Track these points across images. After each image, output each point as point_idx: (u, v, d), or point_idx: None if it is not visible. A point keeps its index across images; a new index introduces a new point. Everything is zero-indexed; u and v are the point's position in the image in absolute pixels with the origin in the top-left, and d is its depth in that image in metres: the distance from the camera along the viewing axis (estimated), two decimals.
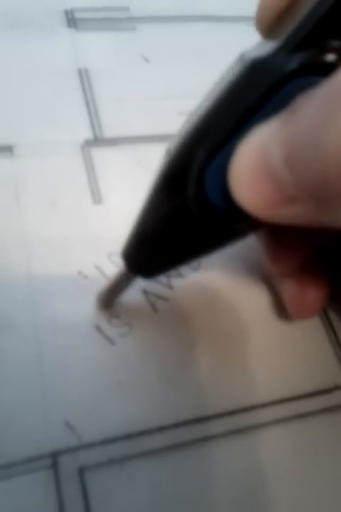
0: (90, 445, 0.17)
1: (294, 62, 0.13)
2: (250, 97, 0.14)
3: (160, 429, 0.18)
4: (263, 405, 0.19)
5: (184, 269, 0.21)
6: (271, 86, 0.13)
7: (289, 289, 0.19)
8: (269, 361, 0.19)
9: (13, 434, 0.17)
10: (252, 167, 0.13)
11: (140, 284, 0.20)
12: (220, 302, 0.21)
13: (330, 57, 0.13)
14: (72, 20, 0.28)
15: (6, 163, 0.22)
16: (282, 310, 0.21)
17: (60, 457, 0.17)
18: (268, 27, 0.16)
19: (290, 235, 0.18)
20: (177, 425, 0.18)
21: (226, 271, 0.21)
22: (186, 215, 0.16)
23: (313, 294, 0.19)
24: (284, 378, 0.19)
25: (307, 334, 0.20)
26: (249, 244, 0.22)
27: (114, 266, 0.20)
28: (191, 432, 0.18)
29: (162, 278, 0.20)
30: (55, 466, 0.16)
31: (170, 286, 0.20)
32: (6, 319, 0.18)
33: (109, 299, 0.19)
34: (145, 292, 0.20)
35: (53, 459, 0.17)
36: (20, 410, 0.17)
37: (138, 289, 0.20)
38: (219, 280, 0.21)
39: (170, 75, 0.27)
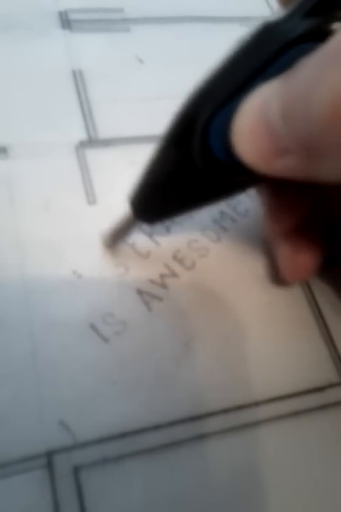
0: (85, 444, 0.17)
1: (301, 28, 0.14)
2: (257, 58, 0.15)
3: (155, 427, 0.18)
4: (258, 403, 0.19)
5: (178, 269, 0.21)
6: (277, 49, 0.14)
7: (283, 251, 0.20)
8: (263, 360, 0.20)
9: (7, 434, 0.17)
10: (252, 122, 0.14)
11: (134, 284, 0.20)
12: (214, 302, 0.21)
13: (336, 25, 0.14)
14: (66, 21, 0.28)
15: (0, 165, 0.22)
16: (276, 309, 0.21)
17: (54, 456, 0.17)
18: None
19: (288, 194, 0.19)
20: (171, 424, 0.18)
21: (220, 271, 0.21)
22: (190, 167, 0.17)
23: (306, 257, 0.20)
24: (278, 376, 0.19)
25: (301, 332, 0.20)
26: (243, 246, 0.22)
27: (108, 264, 0.20)
28: (186, 430, 0.18)
29: (156, 278, 0.21)
30: (49, 465, 0.16)
31: (164, 286, 0.21)
32: (0, 318, 0.18)
33: (113, 240, 0.21)
34: (139, 292, 0.20)
35: (48, 458, 0.17)
36: (14, 409, 0.17)
37: (132, 288, 0.20)
38: (213, 280, 0.21)
39: (164, 76, 0.27)
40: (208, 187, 0.17)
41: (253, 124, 0.14)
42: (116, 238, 0.21)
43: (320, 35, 0.14)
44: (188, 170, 0.17)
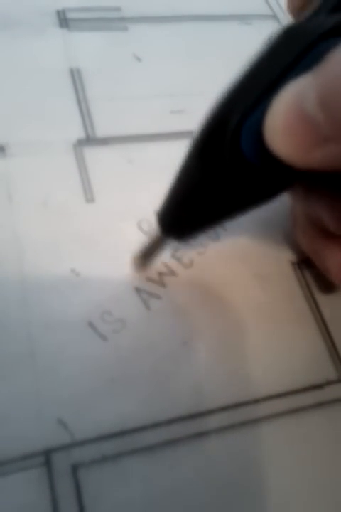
0: (83, 442, 0.17)
1: (329, 23, 0.14)
2: (286, 57, 0.15)
3: (154, 425, 0.18)
4: (256, 401, 0.19)
5: (177, 267, 0.21)
6: (306, 45, 0.14)
7: (333, 254, 0.19)
8: (262, 357, 0.20)
9: (5, 432, 0.17)
10: (288, 115, 0.14)
11: (132, 282, 0.20)
12: (213, 300, 0.21)
13: None
14: (64, 20, 0.28)
15: None
16: (274, 307, 0.21)
17: (53, 455, 0.17)
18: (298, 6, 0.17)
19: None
20: (170, 421, 0.18)
21: (218, 269, 0.21)
22: (220, 175, 0.16)
23: None
24: (277, 374, 0.19)
25: (299, 330, 0.20)
26: (241, 244, 0.22)
27: (106, 262, 0.20)
28: (184, 428, 0.18)
29: (154, 277, 0.21)
30: (48, 464, 0.16)
31: (162, 285, 0.21)
32: None
33: (144, 261, 0.20)
34: (137, 290, 0.20)
35: (46, 457, 0.17)
36: (12, 408, 0.17)
37: (130, 286, 0.20)
38: (211, 278, 0.21)
39: (161, 75, 0.27)
40: (240, 194, 0.17)
41: (288, 117, 0.14)
42: (146, 258, 0.20)
43: None
44: (218, 178, 0.17)
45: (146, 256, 0.20)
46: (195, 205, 0.18)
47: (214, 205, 0.18)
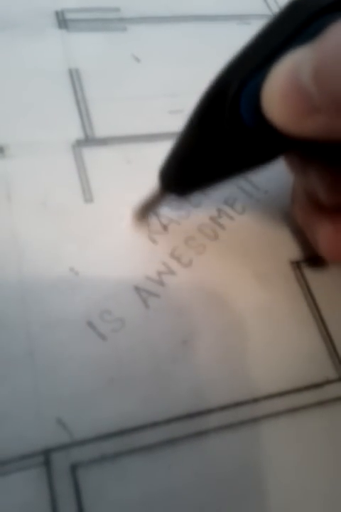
0: (82, 442, 0.17)
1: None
2: (287, 28, 0.16)
3: (153, 424, 0.18)
4: (256, 400, 0.19)
5: (176, 266, 0.21)
6: (306, 18, 0.15)
7: (325, 230, 0.20)
8: (261, 356, 0.20)
9: (4, 432, 0.17)
10: (284, 84, 0.15)
11: (131, 281, 0.20)
12: (212, 299, 0.21)
13: None
14: (62, 21, 0.28)
15: None
16: (274, 306, 0.21)
17: (52, 454, 0.17)
18: None
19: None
20: (169, 421, 0.18)
21: (217, 268, 0.21)
22: (220, 136, 0.17)
23: None
24: (276, 373, 0.19)
25: (298, 329, 0.20)
26: (240, 243, 0.22)
27: (105, 262, 0.20)
28: (184, 427, 0.18)
29: (153, 275, 0.21)
30: (47, 463, 0.16)
31: (161, 284, 0.20)
32: None
33: (143, 215, 0.21)
34: (136, 289, 0.20)
35: (45, 456, 0.17)
36: (12, 408, 0.17)
37: (130, 285, 0.20)
38: (210, 277, 0.21)
39: (161, 75, 0.27)
40: (237, 156, 0.18)
41: (284, 86, 0.15)
42: (146, 211, 0.21)
43: None
44: (217, 140, 0.17)
45: (146, 210, 0.21)
46: (194, 165, 0.19)
47: (213, 165, 0.19)
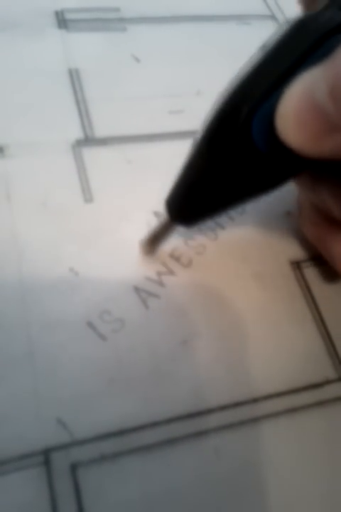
0: (82, 441, 0.17)
1: (339, 18, 0.15)
2: (297, 49, 0.15)
3: (153, 424, 0.18)
4: (255, 400, 0.19)
5: (175, 267, 0.21)
6: (317, 38, 0.15)
7: (340, 243, 0.20)
8: (261, 356, 0.20)
9: (4, 432, 0.17)
10: (299, 105, 0.15)
11: (131, 281, 0.20)
12: (212, 299, 0.21)
13: None
14: (62, 21, 0.28)
15: None
16: (273, 306, 0.21)
17: (52, 454, 0.17)
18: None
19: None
20: (169, 421, 0.18)
21: (217, 268, 0.21)
22: (230, 161, 0.17)
23: None
24: (276, 373, 0.19)
25: (298, 329, 0.20)
26: (239, 243, 0.22)
27: (105, 262, 0.20)
28: (183, 427, 0.18)
29: (153, 276, 0.21)
30: (47, 463, 0.16)
31: (161, 284, 0.21)
32: None
33: (151, 246, 0.21)
34: (136, 289, 0.20)
35: (45, 456, 0.17)
36: (12, 408, 0.17)
37: (129, 286, 0.20)
38: (210, 278, 0.21)
39: (160, 75, 0.27)
40: (249, 181, 0.17)
41: (299, 107, 0.15)
42: (154, 243, 0.21)
43: None
44: (227, 166, 0.17)
45: (154, 241, 0.21)
46: (202, 193, 0.18)
47: (222, 192, 0.18)
